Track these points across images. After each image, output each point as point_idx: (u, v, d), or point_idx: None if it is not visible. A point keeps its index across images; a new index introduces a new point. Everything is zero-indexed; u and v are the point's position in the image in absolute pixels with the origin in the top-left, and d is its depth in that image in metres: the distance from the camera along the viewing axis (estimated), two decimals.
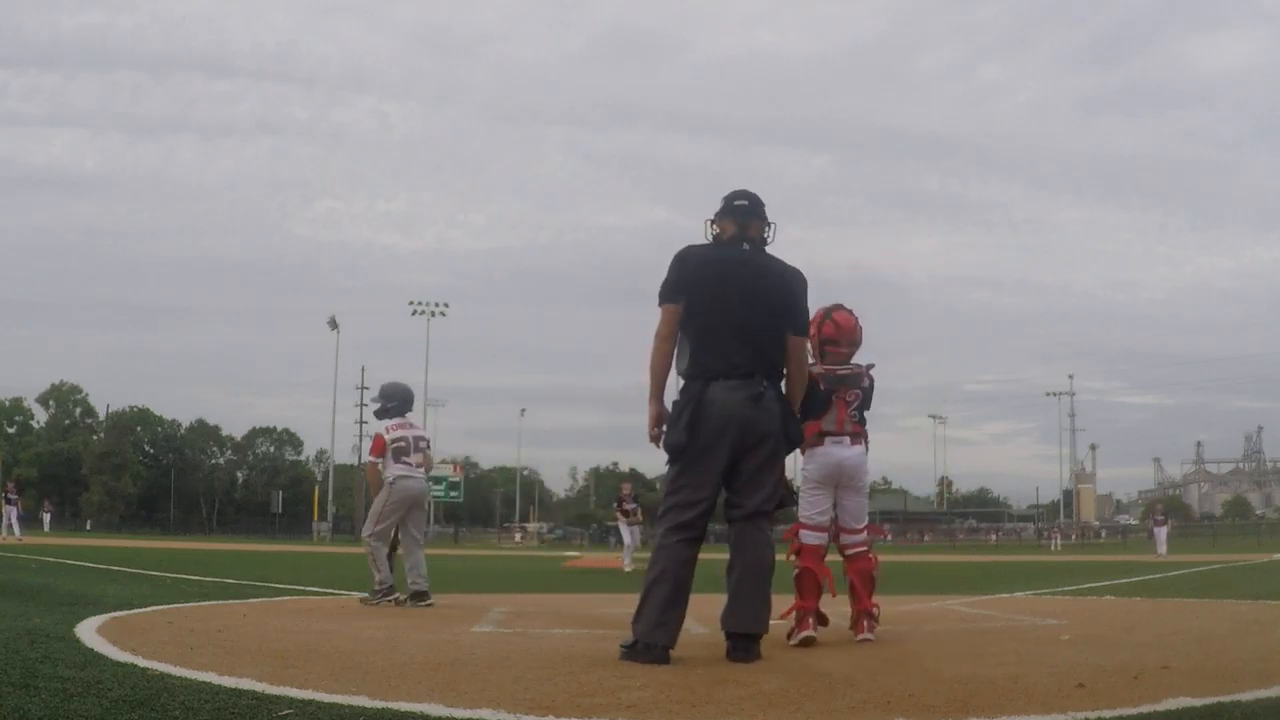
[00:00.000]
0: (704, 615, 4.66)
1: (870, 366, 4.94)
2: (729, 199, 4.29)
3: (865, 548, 4.88)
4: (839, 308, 4.97)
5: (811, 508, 4.82)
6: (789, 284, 4.23)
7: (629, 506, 18.94)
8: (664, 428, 4.10)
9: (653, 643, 3.83)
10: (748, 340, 4.07)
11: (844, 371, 4.85)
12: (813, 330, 4.85)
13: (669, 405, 4.12)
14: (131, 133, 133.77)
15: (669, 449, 4.07)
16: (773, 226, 4.28)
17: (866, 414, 4.89)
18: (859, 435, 4.85)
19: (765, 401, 4.04)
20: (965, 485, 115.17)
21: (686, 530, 3.97)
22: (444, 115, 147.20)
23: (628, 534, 18.70)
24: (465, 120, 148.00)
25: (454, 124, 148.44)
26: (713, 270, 4.12)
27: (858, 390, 4.83)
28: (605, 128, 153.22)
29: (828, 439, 4.77)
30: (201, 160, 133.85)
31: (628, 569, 16.54)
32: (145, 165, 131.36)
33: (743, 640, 3.97)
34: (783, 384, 4.21)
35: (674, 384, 4.16)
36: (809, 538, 4.79)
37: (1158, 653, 4.16)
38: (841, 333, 4.90)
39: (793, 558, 4.81)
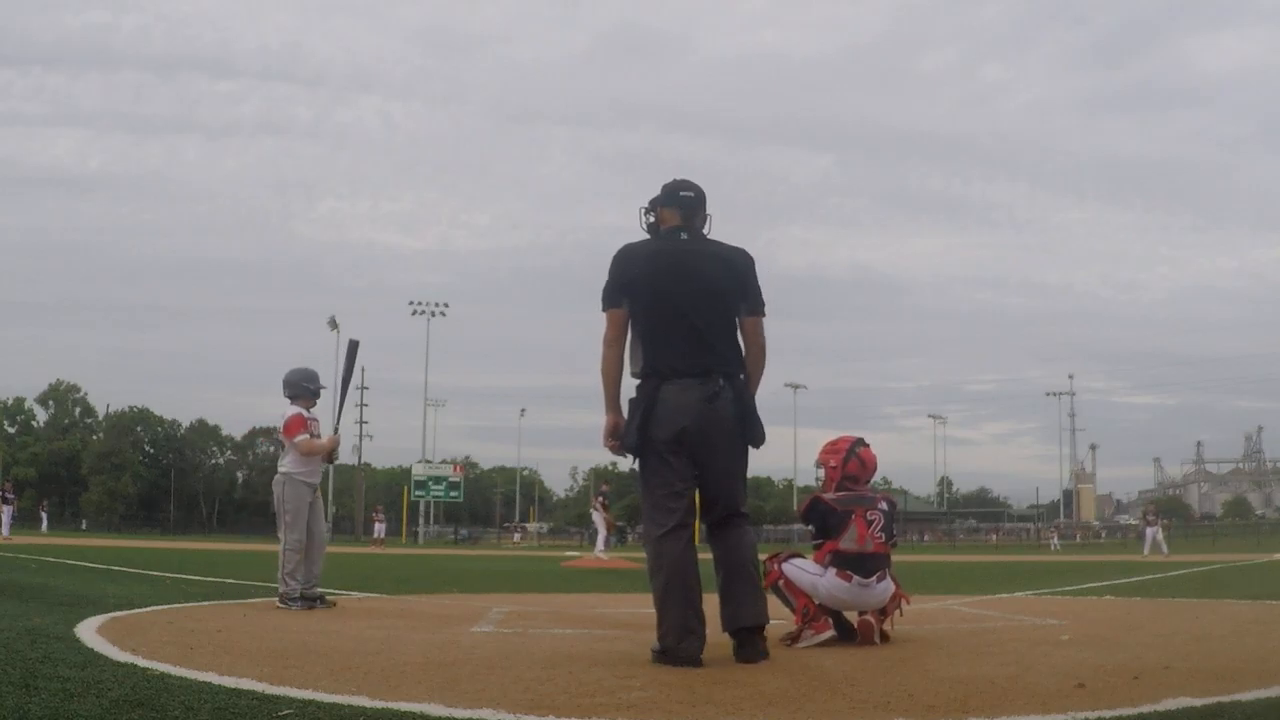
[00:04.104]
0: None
1: (886, 496, 4.89)
2: (673, 188, 4.19)
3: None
4: (862, 444, 4.91)
5: (801, 577, 4.68)
6: (736, 266, 4.12)
7: (606, 501, 22.16)
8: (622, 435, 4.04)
9: (684, 654, 3.79)
10: (700, 337, 3.98)
11: (860, 494, 4.77)
12: (835, 462, 4.83)
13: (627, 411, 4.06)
14: (135, 133, 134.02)
15: (626, 451, 4.03)
16: (710, 219, 4.21)
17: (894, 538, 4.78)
18: (885, 559, 4.70)
19: (720, 401, 3.96)
20: (965, 485, 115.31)
21: (676, 530, 3.91)
22: (448, 115, 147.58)
23: (603, 528, 21.57)
24: (469, 120, 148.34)
25: (458, 124, 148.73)
26: (654, 266, 4.03)
27: (878, 510, 4.71)
28: (609, 127, 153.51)
29: (855, 579, 4.60)
30: (205, 160, 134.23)
31: (604, 559, 18.98)
32: (149, 165, 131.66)
33: (747, 635, 3.91)
34: (742, 375, 4.09)
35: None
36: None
37: (1158, 653, 4.16)
38: (865, 471, 4.86)
39: (780, 585, 4.72)
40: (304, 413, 6.80)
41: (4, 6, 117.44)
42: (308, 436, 6.72)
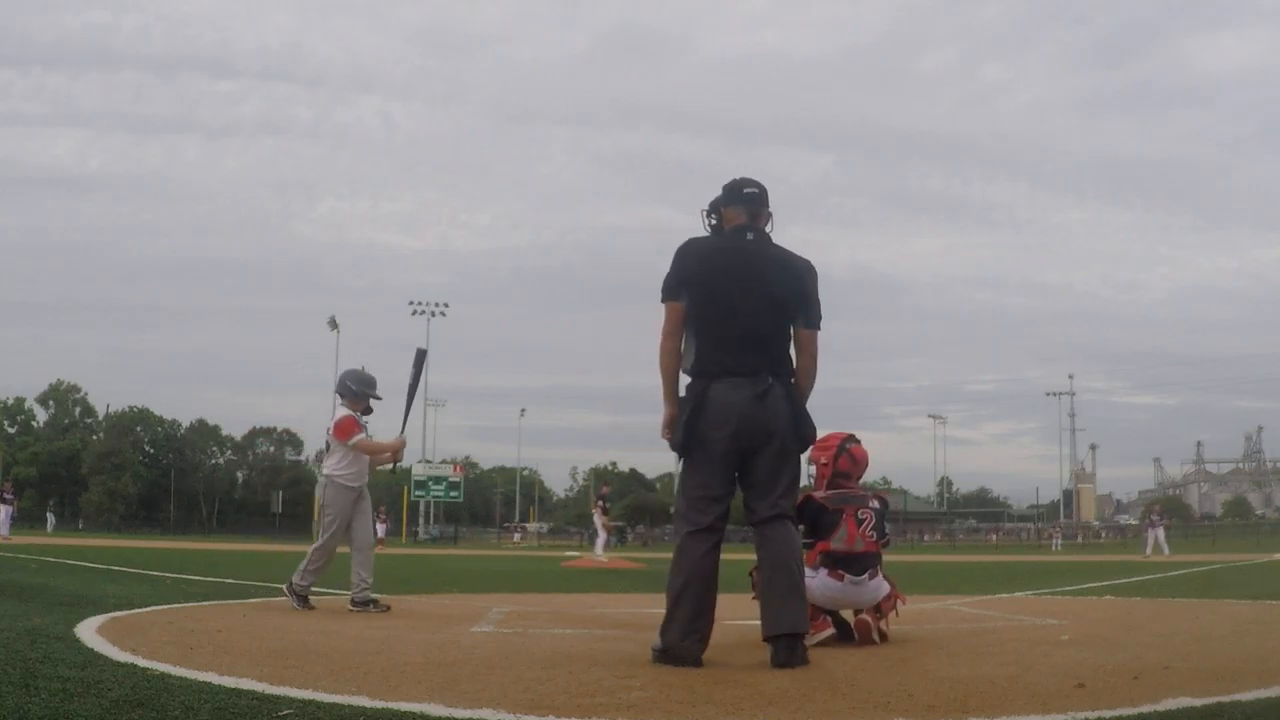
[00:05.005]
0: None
1: (877, 494, 4.89)
2: (735, 186, 4.14)
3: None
4: (853, 440, 4.91)
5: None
6: (799, 276, 4.09)
7: (606, 505, 22.23)
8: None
9: (684, 653, 3.79)
10: (753, 336, 3.96)
11: (850, 493, 4.77)
12: (826, 459, 4.82)
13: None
14: (135, 133, 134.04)
15: (674, 448, 4.02)
16: (771, 217, 4.18)
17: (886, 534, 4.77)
18: (876, 557, 4.69)
19: (770, 399, 3.92)
20: (965, 485, 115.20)
21: (705, 532, 3.89)
22: (448, 115, 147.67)
23: (602, 531, 21.77)
24: (469, 120, 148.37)
25: (458, 124, 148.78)
26: (716, 263, 4.00)
27: (869, 509, 4.70)
28: (609, 127, 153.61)
29: (848, 578, 4.60)
30: (205, 160, 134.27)
31: (604, 560, 19.20)
32: (149, 165, 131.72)
33: (785, 642, 3.81)
34: (792, 379, 4.06)
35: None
36: None
37: (1158, 653, 4.16)
38: (856, 467, 4.87)
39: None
40: (356, 416, 6.64)
41: (4, 6, 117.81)
42: (365, 436, 6.54)
